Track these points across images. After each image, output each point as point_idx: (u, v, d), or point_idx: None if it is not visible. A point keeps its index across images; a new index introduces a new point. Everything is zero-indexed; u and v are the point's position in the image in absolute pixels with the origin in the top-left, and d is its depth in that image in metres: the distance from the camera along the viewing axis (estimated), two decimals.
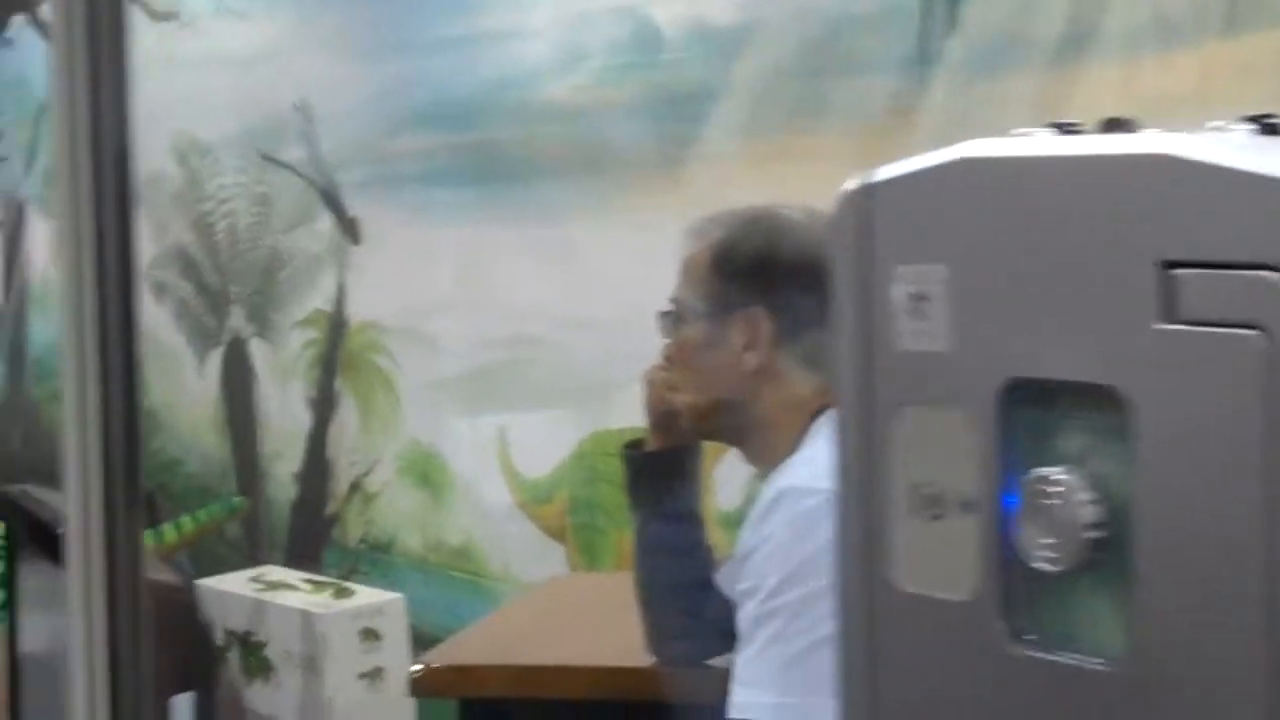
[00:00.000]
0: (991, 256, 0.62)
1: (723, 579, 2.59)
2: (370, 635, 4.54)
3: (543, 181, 4.51)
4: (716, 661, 2.64)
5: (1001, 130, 0.69)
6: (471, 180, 4.69)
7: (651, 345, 2.67)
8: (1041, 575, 0.61)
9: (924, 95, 3.70)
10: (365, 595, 4.72)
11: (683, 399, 2.52)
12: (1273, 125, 0.59)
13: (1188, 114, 3.27)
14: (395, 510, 4.99)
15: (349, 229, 5.12)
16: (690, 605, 2.67)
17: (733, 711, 2.18)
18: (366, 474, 5.07)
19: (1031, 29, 3.57)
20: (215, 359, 5.64)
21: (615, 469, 3.49)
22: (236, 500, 5.47)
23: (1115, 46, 3.47)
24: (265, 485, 5.46)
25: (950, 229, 0.64)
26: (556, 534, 4.52)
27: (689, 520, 2.68)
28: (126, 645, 1.16)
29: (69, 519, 1.16)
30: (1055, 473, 0.59)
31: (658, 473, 2.66)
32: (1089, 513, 0.59)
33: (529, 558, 4.53)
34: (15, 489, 2.17)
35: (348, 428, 5.14)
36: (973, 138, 0.69)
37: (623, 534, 4.13)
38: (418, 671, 3.31)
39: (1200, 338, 0.55)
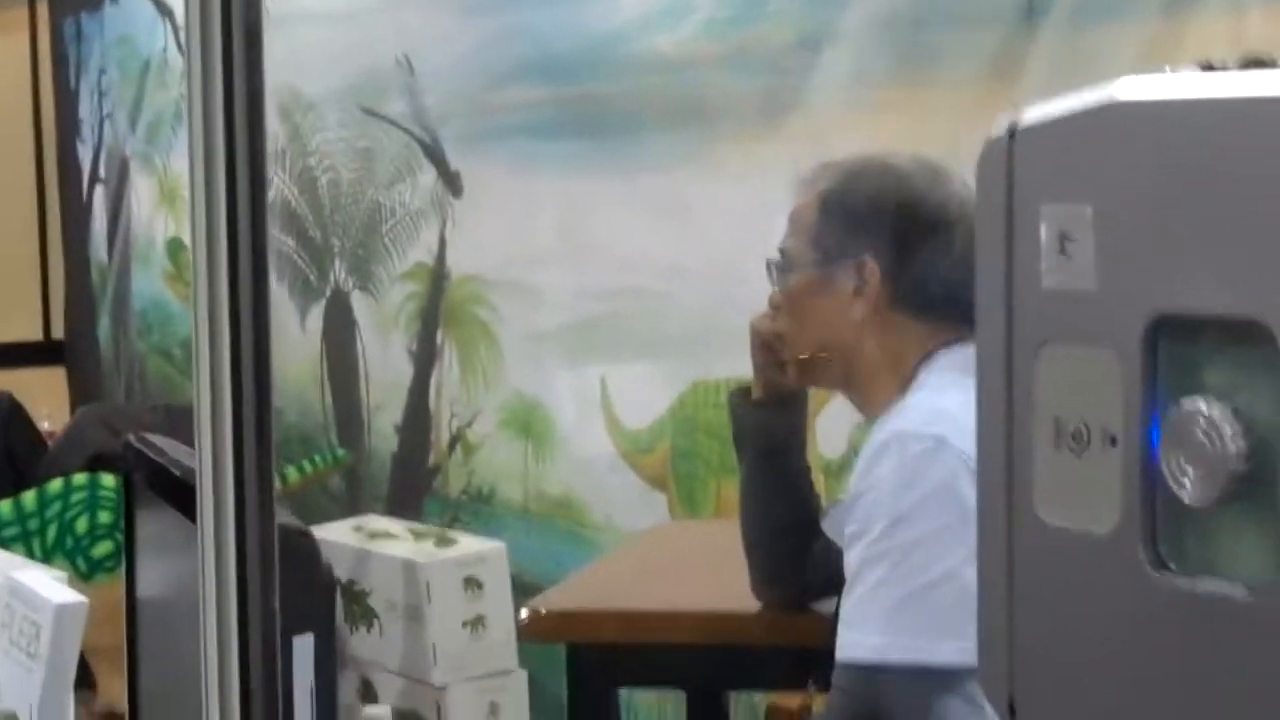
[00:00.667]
0: (1137, 195, 0.64)
1: (830, 523, 2.62)
2: (473, 584, 4.58)
3: (647, 134, 4.52)
4: (822, 605, 2.67)
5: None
6: (575, 133, 4.71)
7: (756, 295, 2.69)
8: (1185, 508, 0.62)
9: (1032, 46, 3.69)
10: (467, 544, 4.75)
11: (790, 346, 2.55)
12: None
13: None
14: (497, 461, 5.03)
15: (451, 182, 5.15)
16: (796, 549, 2.71)
17: (840, 652, 2.22)
18: (468, 425, 5.11)
19: None
20: (317, 312, 5.70)
21: (716, 419, 3.50)
22: (341, 452, 5.51)
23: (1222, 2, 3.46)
24: (367, 436, 5.51)
25: (1096, 169, 0.66)
26: (658, 483, 4.55)
27: (795, 465, 2.72)
28: (256, 590, 1.18)
29: (200, 467, 1.18)
30: (1201, 406, 0.60)
31: (764, 419, 2.70)
32: (1236, 445, 0.61)
33: (631, 507, 4.57)
34: (132, 436, 2.20)
35: (449, 380, 5.19)
36: (1080, 89, 0.70)
37: (723, 483, 4.16)
38: (527, 617, 3.35)
39: None
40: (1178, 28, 3.50)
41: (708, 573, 3.21)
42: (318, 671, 1.89)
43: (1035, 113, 0.67)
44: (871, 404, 2.41)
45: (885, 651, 2.16)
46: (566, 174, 4.73)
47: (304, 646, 1.80)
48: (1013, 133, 0.67)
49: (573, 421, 4.78)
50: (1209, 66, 0.64)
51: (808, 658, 2.70)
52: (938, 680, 2.12)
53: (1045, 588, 0.67)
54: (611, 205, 4.60)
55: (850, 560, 2.25)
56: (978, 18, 3.79)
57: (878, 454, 2.23)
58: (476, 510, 5.04)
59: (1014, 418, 0.66)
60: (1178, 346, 0.61)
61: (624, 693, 3.60)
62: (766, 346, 2.60)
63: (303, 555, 1.73)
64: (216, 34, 1.16)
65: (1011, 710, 0.69)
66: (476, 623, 4.57)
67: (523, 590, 4.28)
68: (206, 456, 1.17)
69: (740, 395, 2.73)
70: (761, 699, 3.69)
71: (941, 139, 3.31)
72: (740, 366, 2.77)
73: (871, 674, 2.18)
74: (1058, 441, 0.65)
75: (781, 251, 2.53)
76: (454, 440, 5.16)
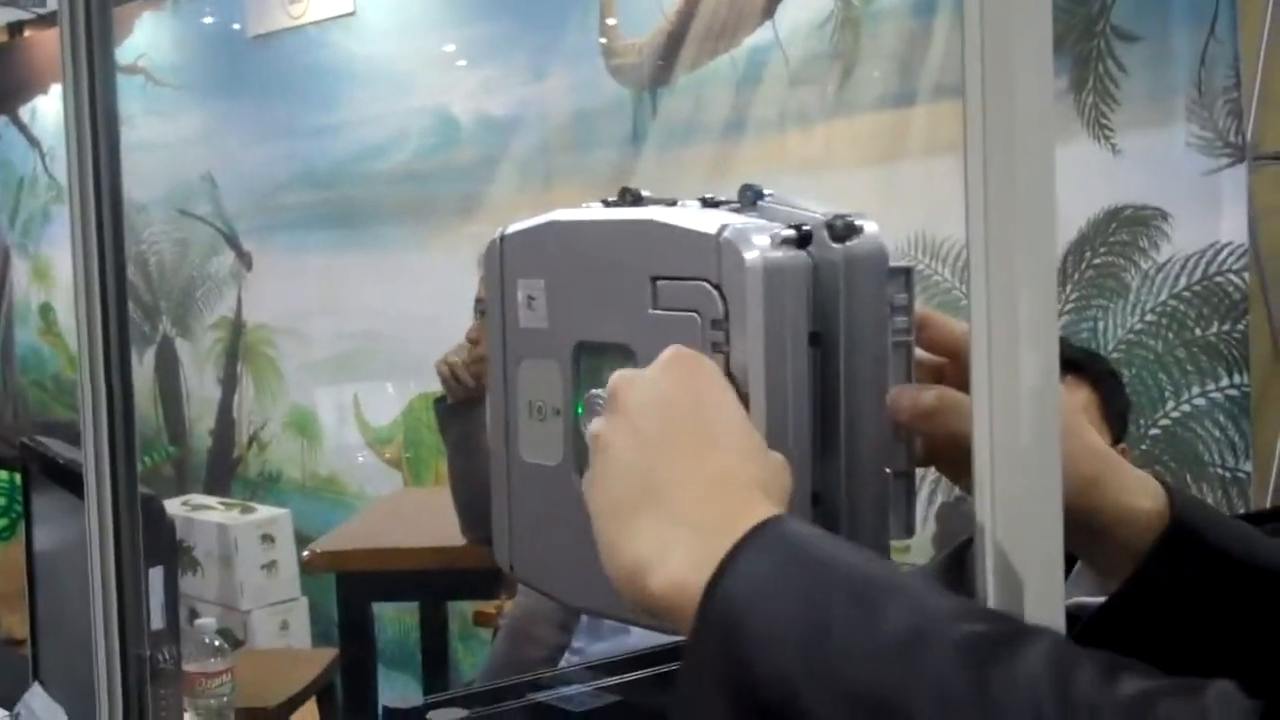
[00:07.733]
0: (567, 274, 0.77)
1: None
2: (268, 539, 4.60)
3: (382, 224, 4.58)
4: None
5: (684, 188, 0.83)
6: (332, 224, 4.75)
7: (455, 333, 2.79)
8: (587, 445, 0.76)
9: (637, 161, 3.83)
10: (263, 511, 4.77)
11: (476, 366, 2.65)
12: (713, 201, 0.75)
13: (813, 171, 3.40)
14: (282, 453, 5.02)
15: (244, 260, 5.14)
16: (487, 501, 2.74)
17: None
18: (261, 429, 5.08)
19: (705, 116, 3.71)
20: (150, 353, 5.60)
21: (431, 419, 3.58)
22: (172, 449, 5.46)
23: (765, 127, 3.61)
24: (189, 438, 5.45)
25: (546, 258, 0.79)
26: (395, 464, 4.61)
27: (478, 445, 2.71)
28: (126, 538, 1.19)
29: (86, 460, 1.19)
30: (600, 392, 0.74)
31: (457, 415, 2.74)
32: None
33: (376, 481, 4.63)
34: (26, 439, 2.23)
35: (247, 397, 5.18)
36: (670, 192, 0.83)
37: (438, 462, 4.22)
38: (309, 557, 3.38)
39: (671, 318, 0.72)
40: (732, 147, 3.65)
41: (431, 521, 3.22)
42: (166, 592, 1.94)
43: (517, 223, 0.80)
44: None
45: None
46: (326, 253, 4.77)
47: (157, 575, 1.85)
48: (502, 236, 0.80)
49: (335, 423, 4.82)
50: (606, 202, 0.78)
51: (499, 575, 2.76)
52: None
53: (527, 497, 0.81)
54: (358, 274, 4.66)
55: None
56: (600, 144, 3.93)
57: None
58: (269, 488, 5.05)
59: (509, 400, 0.80)
60: (589, 359, 0.76)
61: (376, 606, 3.63)
62: (452, 367, 2.68)
63: (153, 514, 1.77)
64: (89, 153, 1.21)
65: (511, 567, 0.84)
66: (270, 566, 4.59)
67: (303, 541, 4.32)
68: (90, 450, 1.19)
69: (440, 401, 2.76)
70: (469, 605, 3.79)
71: None
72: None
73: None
74: (531, 413, 0.79)
75: (478, 300, 2.65)
76: (251, 439, 5.14)
